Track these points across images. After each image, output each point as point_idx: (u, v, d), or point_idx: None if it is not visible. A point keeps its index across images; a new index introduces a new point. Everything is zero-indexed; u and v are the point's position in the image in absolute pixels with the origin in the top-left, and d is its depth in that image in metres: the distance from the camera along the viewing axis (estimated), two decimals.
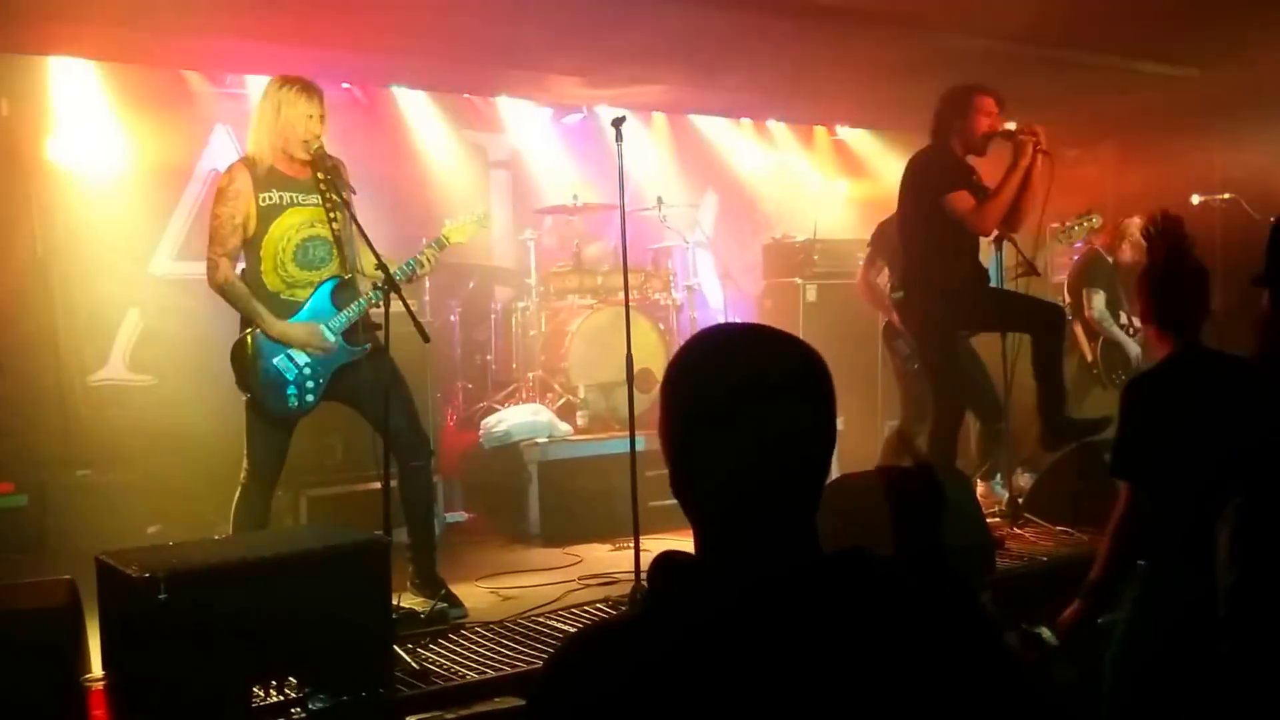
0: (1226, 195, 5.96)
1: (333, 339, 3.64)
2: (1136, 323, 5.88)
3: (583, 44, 5.70)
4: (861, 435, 6.12)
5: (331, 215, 3.64)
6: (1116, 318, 5.83)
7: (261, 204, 3.56)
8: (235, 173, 3.59)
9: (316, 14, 5.07)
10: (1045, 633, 3.26)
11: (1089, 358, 5.78)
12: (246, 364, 3.59)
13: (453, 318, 6.20)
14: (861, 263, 5.69)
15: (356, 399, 3.74)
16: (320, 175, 3.63)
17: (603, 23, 5.34)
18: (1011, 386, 5.07)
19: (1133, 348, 5.79)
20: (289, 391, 3.61)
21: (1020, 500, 4.80)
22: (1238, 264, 7.21)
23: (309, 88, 3.62)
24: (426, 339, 3.50)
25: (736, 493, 1.14)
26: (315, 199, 3.63)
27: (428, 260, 3.80)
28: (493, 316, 6.28)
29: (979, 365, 5.04)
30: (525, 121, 6.95)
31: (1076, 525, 4.41)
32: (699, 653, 1.05)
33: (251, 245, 3.60)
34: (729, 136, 7.68)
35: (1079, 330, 5.82)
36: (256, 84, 5.95)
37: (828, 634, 1.08)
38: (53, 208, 5.33)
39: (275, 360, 3.60)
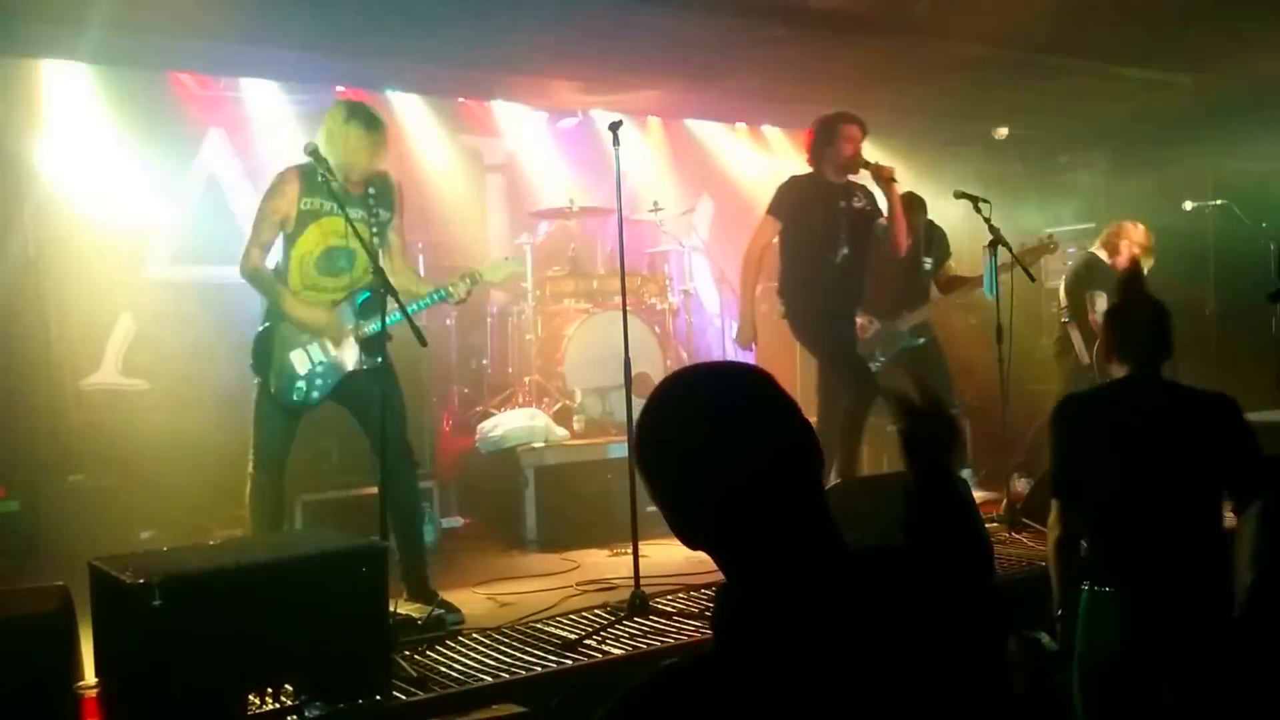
0: (1219, 201, 5.97)
1: (355, 345, 3.81)
2: None
3: (578, 49, 5.70)
4: None
5: (374, 228, 3.79)
6: None
7: (303, 207, 3.74)
8: (288, 174, 3.76)
9: (310, 17, 5.06)
10: (1044, 638, 3.25)
11: (1085, 360, 5.75)
12: (266, 350, 3.75)
13: (449, 322, 6.18)
14: None
15: (359, 404, 3.85)
16: (371, 191, 3.79)
17: (598, 28, 5.34)
18: (1009, 393, 5.08)
19: None
20: (298, 384, 3.76)
21: (1018, 506, 4.79)
22: (1230, 269, 7.29)
23: (373, 121, 3.75)
24: (423, 343, 3.50)
25: (757, 522, 1.17)
26: (360, 213, 3.76)
27: (456, 291, 3.96)
28: (489, 321, 6.26)
29: (937, 352, 5.50)
30: (521, 125, 6.94)
31: None
32: (779, 676, 1.09)
33: (287, 242, 3.78)
34: (724, 141, 7.69)
35: (1075, 334, 5.80)
36: (250, 87, 5.96)
37: (882, 635, 1.13)
38: (46, 211, 5.30)
39: (293, 354, 3.76)
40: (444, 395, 6.05)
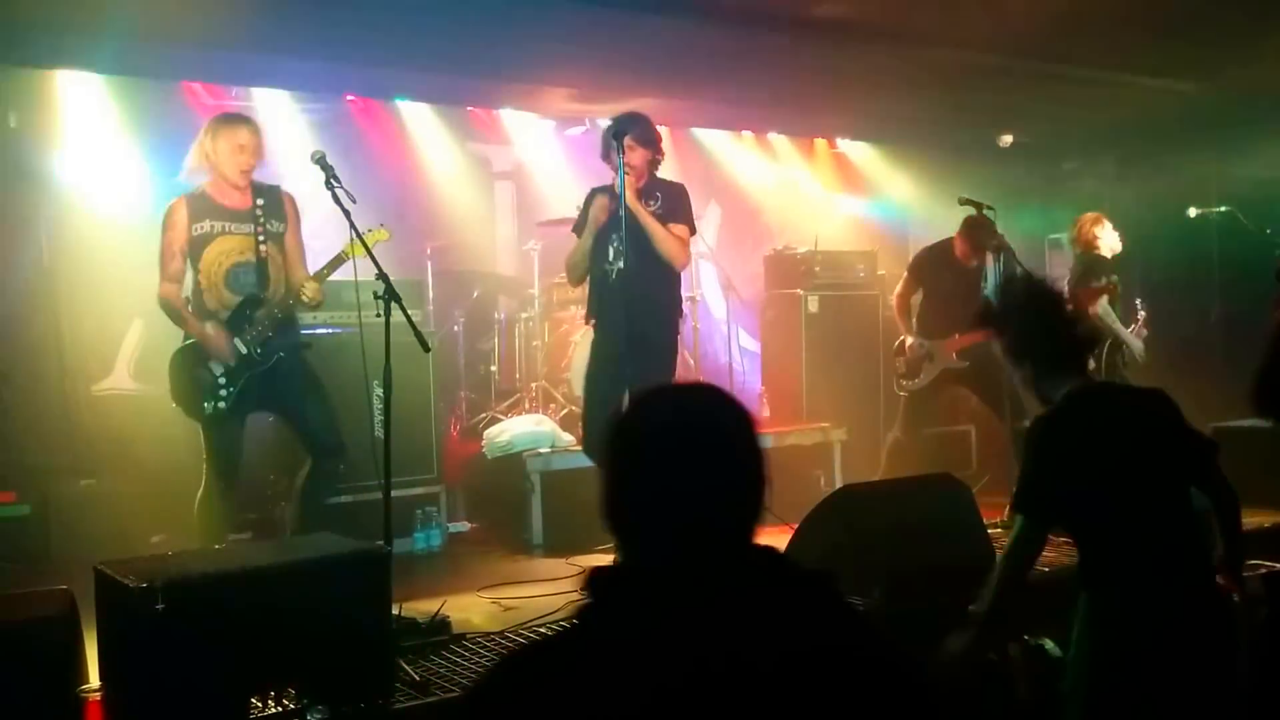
0: (1223, 208, 5.95)
1: (244, 350, 3.95)
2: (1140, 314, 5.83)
3: (586, 58, 5.73)
4: (863, 445, 6.13)
5: (262, 242, 3.96)
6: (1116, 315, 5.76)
7: (194, 233, 3.94)
8: (175, 205, 3.97)
9: (321, 27, 5.11)
10: (1049, 644, 3.25)
11: (1091, 365, 5.70)
12: (171, 375, 4.02)
13: (456, 328, 6.22)
14: (900, 285, 5.78)
15: (279, 406, 4.11)
16: (259, 204, 3.97)
17: (605, 38, 5.37)
18: (1012, 400, 5.08)
19: (1136, 345, 5.72)
20: (204, 399, 3.95)
21: None
22: (1234, 275, 7.25)
23: (237, 118, 4.04)
24: (427, 348, 3.53)
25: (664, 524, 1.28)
26: (248, 227, 3.97)
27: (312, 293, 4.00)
28: (496, 327, 6.30)
29: (990, 373, 5.18)
30: (528, 133, 6.98)
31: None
32: (632, 660, 1.16)
33: (193, 269, 3.97)
34: (731, 149, 7.71)
35: None
36: (261, 96, 6.01)
37: (746, 639, 1.18)
38: (59, 218, 5.37)
39: (196, 371, 3.96)
40: (451, 401, 6.08)
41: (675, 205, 4.54)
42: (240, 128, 3.96)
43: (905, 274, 5.77)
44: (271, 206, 3.99)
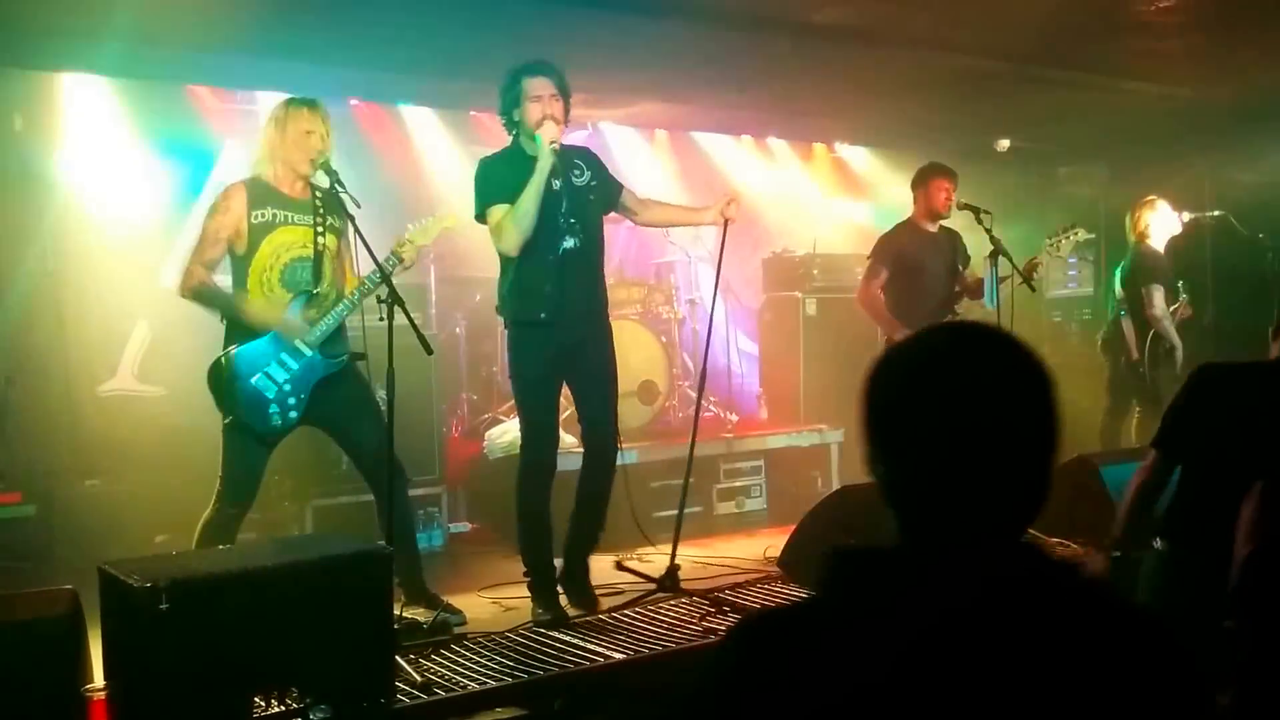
0: (1216, 213, 5.98)
1: (307, 352, 3.63)
2: (1180, 311, 5.79)
3: (587, 63, 5.75)
4: (860, 447, 6.16)
5: (320, 235, 3.68)
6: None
7: (254, 221, 3.61)
8: (232, 190, 3.65)
9: (325, 31, 5.15)
10: None
11: (1134, 355, 5.69)
12: (225, 385, 3.56)
13: (458, 330, 6.26)
14: (862, 275, 5.59)
15: (329, 414, 3.74)
16: (318, 195, 3.71)
17: (606, 42, 5.40)
18: None
19: (1176, 340, 5.69)
20: (271, 410, 3.58)
21: None
22: (1227, 279, 7.25)
23: (302, 101, 3.71)
24: (430, 351, 3.53)
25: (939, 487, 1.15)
26: (309, 219, 3.69)
27: (401, 256, 3.70)
28: (498, 329, 6.33)
29: None
30: None
31: (1071, 537, 4.42)
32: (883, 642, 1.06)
33: (240, 263, 3.64)
34: (730, 153, 7.75)
35: (1129, 328, 5.72)
36: (266, 99, 6.04)
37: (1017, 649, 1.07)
38: (64, 221, 5.40)
39: (254, 379, 3.57)
40: (453, 402, 6.12)
41: (605, 172, 4.00)
42: (308, 112, 3.64)
43: (869, 260, 5.46)
44: (329, 202, 3.65)
